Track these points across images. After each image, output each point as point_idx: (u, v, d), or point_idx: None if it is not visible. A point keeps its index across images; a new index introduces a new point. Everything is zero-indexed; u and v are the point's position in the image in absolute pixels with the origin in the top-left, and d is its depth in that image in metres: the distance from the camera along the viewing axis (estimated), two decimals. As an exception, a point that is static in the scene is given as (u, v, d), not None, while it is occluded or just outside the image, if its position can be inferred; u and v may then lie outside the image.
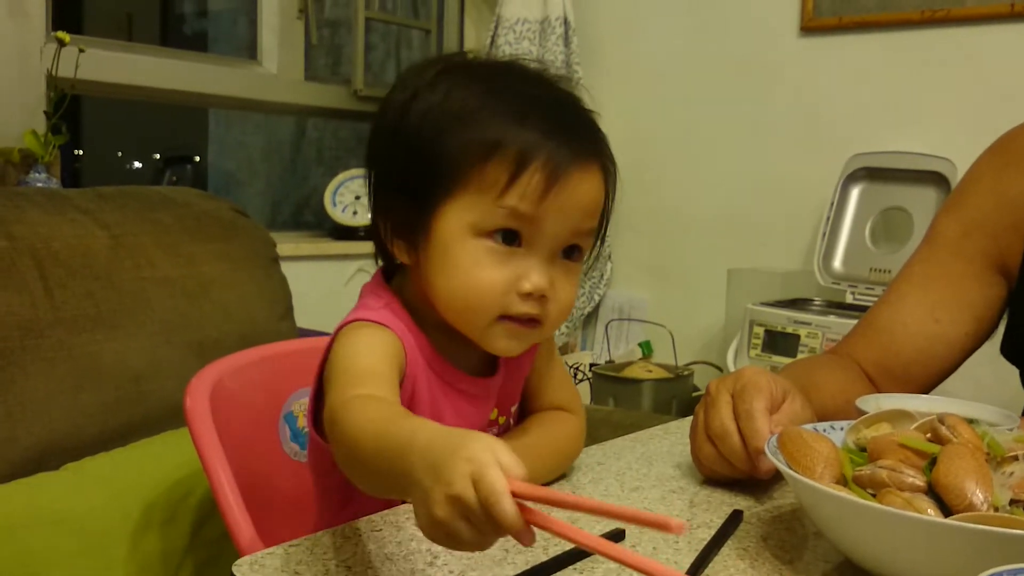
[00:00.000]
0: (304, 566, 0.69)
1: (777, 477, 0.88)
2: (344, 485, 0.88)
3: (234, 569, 0.68)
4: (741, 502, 0.86)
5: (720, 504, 0.85)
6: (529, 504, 0.53)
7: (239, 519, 1.00)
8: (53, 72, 1.93)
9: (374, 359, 0.76)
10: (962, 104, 2.22)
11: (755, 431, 0.82)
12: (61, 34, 1.88)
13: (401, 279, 0.87)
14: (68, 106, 1.97)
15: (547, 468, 0.89)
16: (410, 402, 0.82)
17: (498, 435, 0.90)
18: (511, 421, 0.93)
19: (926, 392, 1.11)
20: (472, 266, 0.78)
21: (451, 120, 0.79)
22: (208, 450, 1.04)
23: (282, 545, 0.73)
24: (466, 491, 0.52)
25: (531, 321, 0.81)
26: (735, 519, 0.80)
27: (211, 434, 1.05)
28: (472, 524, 0.53)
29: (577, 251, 0.83)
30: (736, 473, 0.87)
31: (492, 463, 0.52)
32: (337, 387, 0.72)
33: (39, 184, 1.90)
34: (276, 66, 2.61)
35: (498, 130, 0.78)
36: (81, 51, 1.94)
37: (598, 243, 0.86)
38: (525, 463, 0.85)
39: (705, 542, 0.75)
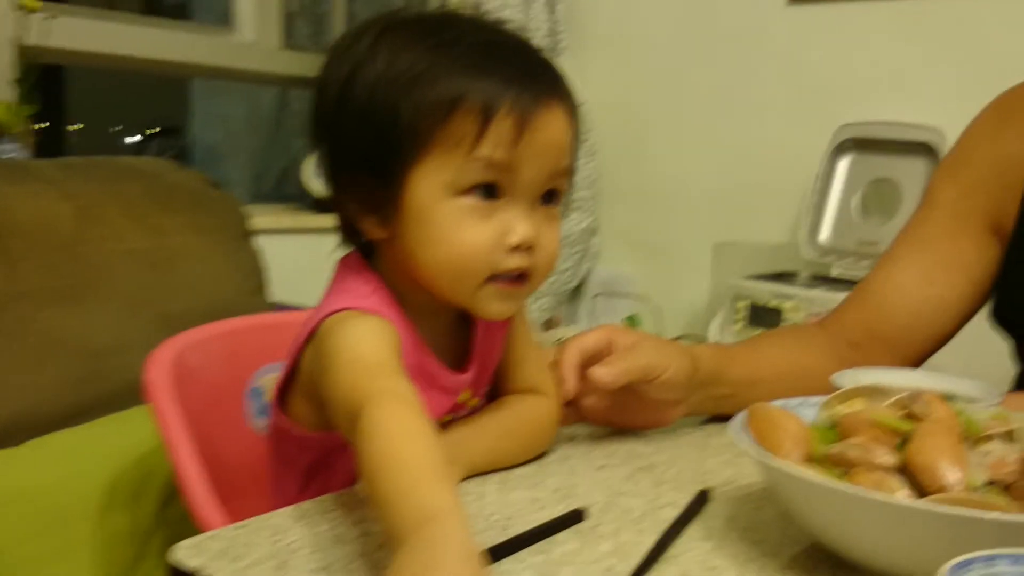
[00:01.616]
0: (248, 548, 0.67)
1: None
2: (306, 470, 0.85)
3: (171, 552, 0.65)
4: (711, 480, 0.83)
5: (688, 483, 0.82)
6: None
7: (200, 496, 0.97)
8: (23, 41, 1.88)
9: (381, 349, 0.73)
10: (951, 74, 2.18)
11: (558, 359, 0.90)
12: (27, 1, 1.83)
13: (377, 258, 0.83)
14: (51, 78, 1.93)
15: (515, 452, 0.86)
16: None
17: (467, 416, 0.87)
18: (481, 403, 0.90)
19: (919, 360, 1.09)
20: (454, 228, 0.76)
21: (403, 86, 0.75)
22: (170, 425, 1.02)
23: (227, 527, 0.70)
24: None
25: (520, 278, 0.79)
26: (701, 499, 0.77)
27: (173, 409, 1.02)
28: None
29: (555, 196, 0.80)
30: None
31: None
32: (350, 377, 0.70)
33: (9, 155, 1.86)
34: (254, 34, 2.56)
35: (456, 85, 0.74)
36: (51, 18, 1.89)
37: (570, 188, 0.83)
38: (488, 448, 0.84)
39: (670, 522, 0.72)
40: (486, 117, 0.74)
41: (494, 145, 0.74)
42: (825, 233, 2.22)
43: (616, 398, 0.92)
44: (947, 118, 2.07)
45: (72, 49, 2.09)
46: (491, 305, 0.79)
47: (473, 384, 0.87)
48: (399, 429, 0.64)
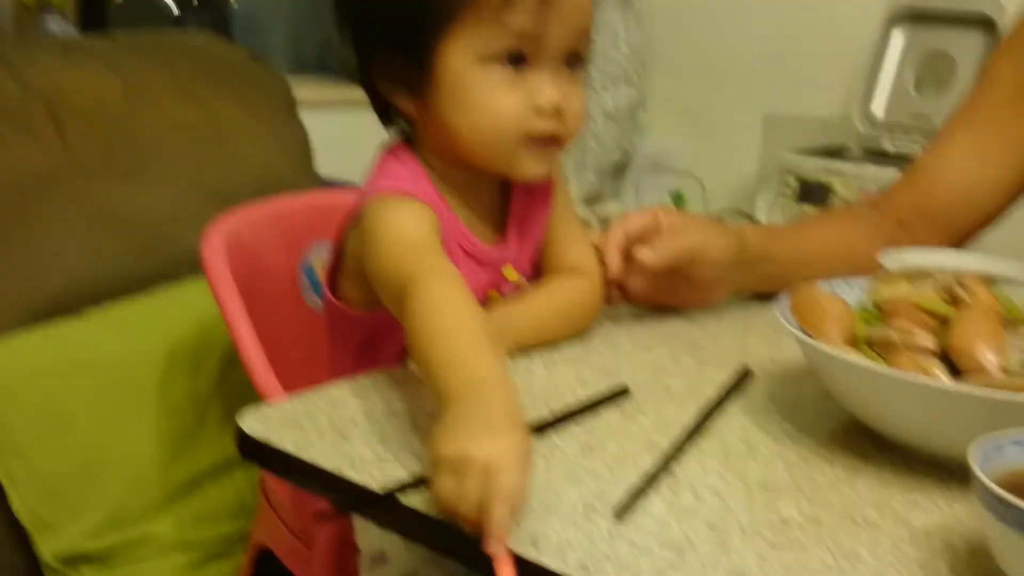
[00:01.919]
0: (309, 418, 0.70)
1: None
2: (359, 347, 0.89)
3: (238, 420, 0.69)
4: (752, 359, 0.85)
5: (730, 361, 0.84)
6: None
7: (259, 366, 1.02)
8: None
9: (423, 231, 0.77)
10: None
11: (604, 239, 0.91)
12: None
13: (415, 139, 0.85)
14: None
15: (559, 330, 0.89)
16: None
17: (513, 293, 0.90)
18: (525, 279, 0.92)
19: (968, 240, 1.09)
20: (486, 95, 0.78)
21: None
22: (227, 299, 1.05)
23: (288, 399, 0.74)
24: (478, 465, 0.53)
25: (552, 140, 0.81)
26: (743, 376, 0.79)
27: (229, 284, 1.06)
28: (458, 484, 0.54)
29: (577, 60, 0.82)
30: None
31: (521, 466, 0.54)
32: (394, 257, 0.74)
33: (53, 29, 1.87)
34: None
35: None
36: None
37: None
38: (534, 326, 0.86)
39: (711, 399, 0.74)
40: None
41: (521, 12, 0.76)
42: (878, 107, 2.17)
43: (661, 277, 0.93)
44: (1009, -12, 1.99)
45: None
46: (527, 167, 0.82)
47: (515, 259, 0.89)
48: (445, 302, 0.68)
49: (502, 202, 0.89)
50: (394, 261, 0.73)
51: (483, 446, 0.54)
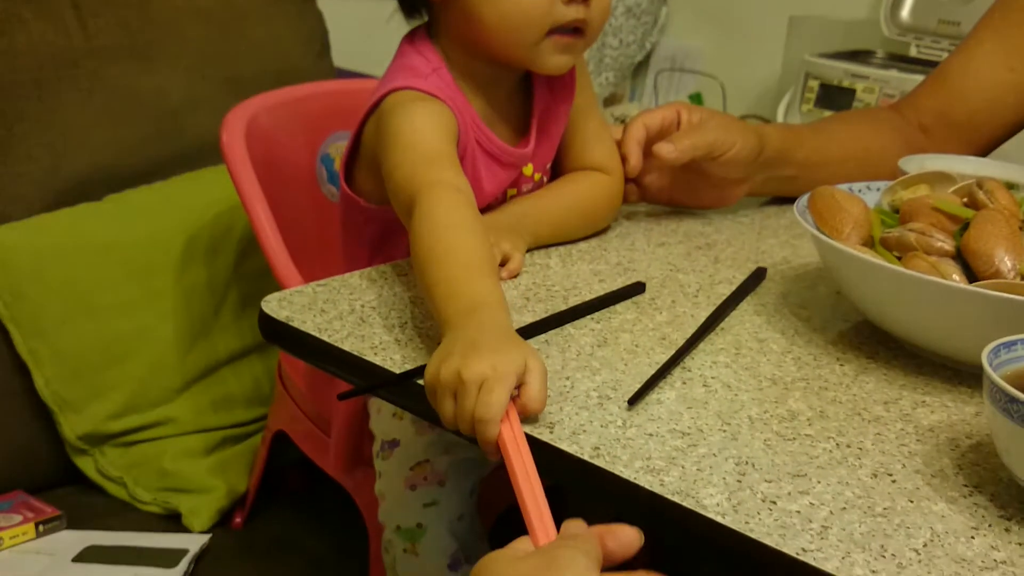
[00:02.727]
0: (330, 304, 0.72)
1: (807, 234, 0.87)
2: (372, 240, 0.89)
3: (263, 304, 0.70)
4: (767, 259, 0.86)
5: (745, 261, 0.85)
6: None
7: (278, 252, 1.03)
8: None
9: (437, 138, 0.77)
10: None
11: (623, 135, 0.91)
12: None
13: (437, 31, 0.84)
14: None
15: (577, 226, 0.89)
16: None
17: (531, 191, 0.90)
18: (545, 178, 0.92)
19: (990, 148, 1.07)
20: None
21: None
22: (246, 185, 1.06)
23: (310, 284, 0.75)
24: (471, 387, 0.55)
25: (576, 31, 0.81)
26: (758, 276, 0.80)
27: (248, 170, 1.06)
28: (456, 405, 0.56)
29: None
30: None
31: (506, 385, 0.55)
32: (407, 163, 0.74)
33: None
34: None
35: None
36: None
37: None
38: (552, 222, 0.87)
39: (724, 297, 0.75)
40: None
41: None
42: (906, 10, 2.11)
43: (679, 175, 0.93)
44: None
45: None
46: (551, 58, 0.81)
47: (535, 157, 0.89)
48: (448, 221, 0.68)
49: (523, 98, 0.88)
50: (407, 169, 0.74)
51: (474, 368, 0.55)
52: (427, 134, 0.76)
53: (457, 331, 0.60)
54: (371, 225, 0.88)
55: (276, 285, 0.98)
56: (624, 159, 0.91)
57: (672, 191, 0.95)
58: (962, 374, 0.66)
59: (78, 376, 1.18)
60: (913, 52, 2.06)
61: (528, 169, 0.89)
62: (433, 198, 0.70)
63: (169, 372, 1.23)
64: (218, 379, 1.27)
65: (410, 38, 0.86)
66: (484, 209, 0.83)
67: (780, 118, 2.08)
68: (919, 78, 1.87)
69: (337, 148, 1.16)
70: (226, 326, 1.27)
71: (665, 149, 0.88)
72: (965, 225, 0.69)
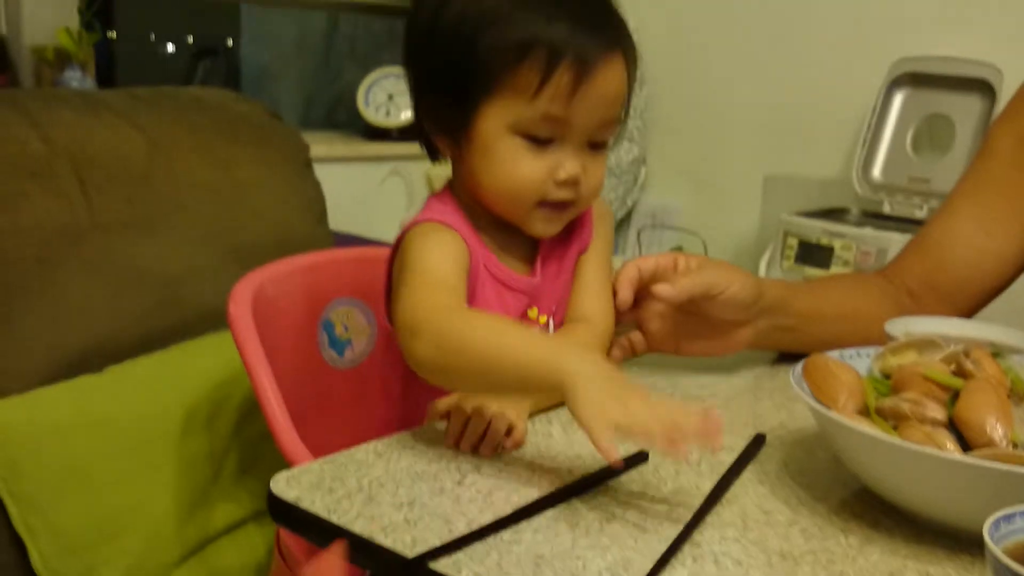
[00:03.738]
0: (338, 482, 0.72)
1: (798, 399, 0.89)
2: (403, 374, 0.93)
3: (271, 485, 0.71)
4: (764, 424, 0.87)
5: (744, 426, 0.86)
6: None
7: (282, 422, 1.03)
8: (85, -32, 1.91)
9: (449, 269, 0.84)
10: (1011, 11, 2.13)
11: (616, 276, 0.93)
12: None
13: (454, 182, 0.94)
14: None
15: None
16: (470, 297, 0.88)
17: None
18: (553, 322, 0.95)
19: (975, 310, 1.10)
20: (512, 161, 0.86)
21: (484, 22, 0.84)
22: (252, 359, 1.07)
23: (317, 460, 0.76)
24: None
25: (565, 204, 0.89)
26: (757, 443, 0.81)
27: (254, 341, 1.07)
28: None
29: (602, 144, 0.89)
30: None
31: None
32: (419, 286, 0.81)
33: (74, 83, 1.91)
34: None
35: (528, 30, 0.83)
36: (112, -54, 1.92)
37: (622, 127, 0.92)
38: None
39: (726, 465, 0.76)
40: (549, 67, 0.83)
41: (551, 98, 0.83)
42: (877, 169, 2.21)
43: (681, 321, 0.94)
44: (1005, 55, 2.05)
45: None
46: (538, 225, 0.90)
47: (541, 294, 0.93)
48: (490, 320, 0.78)
49: (532, 240, 0.94)
50: (418, 293, 0.80)
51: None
52: (436, 260, 0.84)
53: (585, 384, 0.68)
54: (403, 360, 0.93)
55: (275, 451, 0.98)
56: (614, 294, 0.92)
57: (677, 338, 0.95)
58: (962, 541, 0.67)
59: (73, 552, 1.16)
60: (887, 209, 2.14)
61: (533, 312, 0.93)
62: (458, 313, 0.78)
63: (166, 545, 1.21)
64: (215, 550, 1.25)
65: (436, 192, 0.95)
66: None
67: (762, 274, 2.13)
68: (895, 235, 1.95)
69: (338, 314, 1.18)
70: (225, 495, 1.27)
71: (663, 288, 0.89)
72: (956, 393, 0.72)
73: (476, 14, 0.84)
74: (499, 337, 0.73)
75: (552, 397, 0.88)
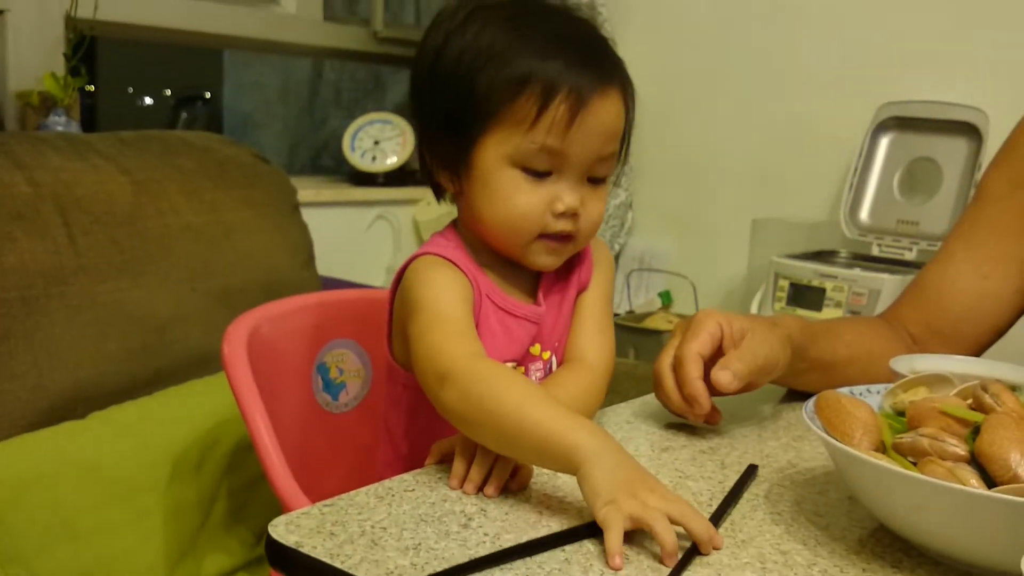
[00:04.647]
0: (339, 526, 0.69)
1: (800, 430, 0.87)
2: (407, 411, 0.95)
3: (270, 529, 0.68)
4: (773, 463, 0.85)
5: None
6: None
7: (277, 466, 1.01)
8: (72, 13, 1.91)
9: (456, 307, 0.84)
10: (996, 54, 2.16)
11: (685, 377, 0.87)
12: (77, -26, 1.85)
13: (457, 219, 0.95)
14: (87, 47, 1.95)
15: None
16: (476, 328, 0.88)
17: (542, 370, 0.95)
18: (555, 358, 0.96)
19: (977, 352, 1.10)
20: (511, 194, 0.87)
21: (482, 60, 0.86)
22: (247, 401, 1.04)
23: (316, 505, 0.73)
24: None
25: (566, 237, 0.89)
26: (749, 474, 0.80)
27: (249, 382, 1.05)
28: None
29: (600, 178, 0.90)
30: (689, 416, 0.90)
31: None
32: (435, 332, 0.81)
33: (59, 128, 1.88)
34: (295, 6, 2.57)
35: (524, 67, 0.84)
36: (99, -8, 1.91)
37: (620, 165, 0.93)
38: None
39: (734, 502, 0.74)
40: (545, 101, 0.84)
41: (548, 129, 0.84)
42: (865, 212, 2.22)
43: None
44: (991, 99, 2.07)
45: (119, 22, 2.10)
46: (539, 258, 0.90)
47: (543, 328, 0.93)
48: (515, 383, 0.75)
49: (534, 275, 0.95)
50: (437, 339, 0.80)
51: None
52: (449, 303, 0.84)
53: (602, 464, 0.69)
54: (407, 392, 0.93)
55: (264, 498, 0.95)
56: (693, 400, 0.88)
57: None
58: (986, 581, 0.65)
59: (55, 605, 1.12)
60: (875, 251, 2.15)
61: (536, 348, 0.93)
62: (481, 368, 0.77)
63: (151, 597, 1.17)
64: (203, 602, 1.21)
65: (439, 230, 0.96)
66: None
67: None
68: (885, 277, 1.95)
69: (333, 356, 1.16)
70: (213, 544, 1.23)
71: (724, 378, 0.86)
72: (975, 429, 0.70)
73: (475, 53, 0.86)
74: (521, 405, 0.73)
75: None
